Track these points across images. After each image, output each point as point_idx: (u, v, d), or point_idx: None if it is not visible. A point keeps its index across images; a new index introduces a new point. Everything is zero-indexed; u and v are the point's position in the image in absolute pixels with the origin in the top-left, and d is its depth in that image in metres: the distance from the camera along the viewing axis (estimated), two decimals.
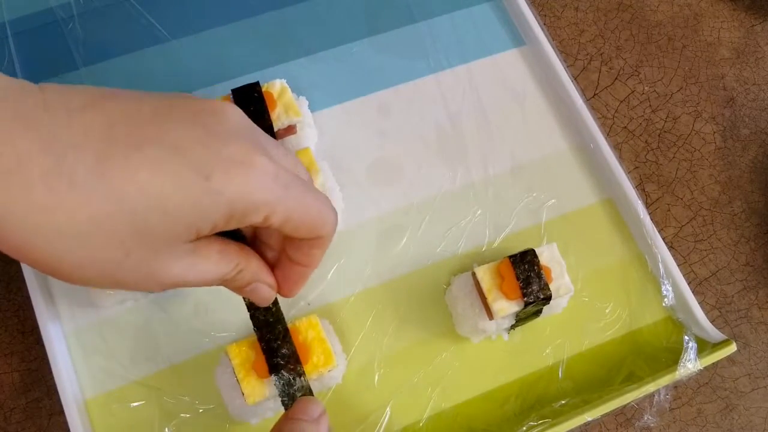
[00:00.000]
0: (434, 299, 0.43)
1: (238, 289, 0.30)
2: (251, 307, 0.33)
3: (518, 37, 0.50)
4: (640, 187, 0.49)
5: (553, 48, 0.48)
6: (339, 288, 0.42)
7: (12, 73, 0.45)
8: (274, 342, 0.35)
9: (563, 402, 0.40)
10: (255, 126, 0.28)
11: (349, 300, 0.42)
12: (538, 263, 0.39)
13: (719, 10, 0.55)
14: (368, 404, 0.40)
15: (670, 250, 0.45)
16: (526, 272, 0.39)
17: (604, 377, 0.42)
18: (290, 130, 0.42)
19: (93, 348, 0.40)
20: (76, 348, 0.40)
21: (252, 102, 0.40)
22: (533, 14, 0.49)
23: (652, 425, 0.43)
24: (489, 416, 0.41)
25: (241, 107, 0.39)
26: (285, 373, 0.34)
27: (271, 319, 0.34)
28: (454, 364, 0.42)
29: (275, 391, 0.35)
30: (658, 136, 0.51)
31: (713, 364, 0.42)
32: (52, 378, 0.38)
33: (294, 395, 0.34)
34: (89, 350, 0.40)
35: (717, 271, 0.48)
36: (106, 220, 0.23)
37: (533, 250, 0.39)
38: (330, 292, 0.42)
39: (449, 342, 0.42)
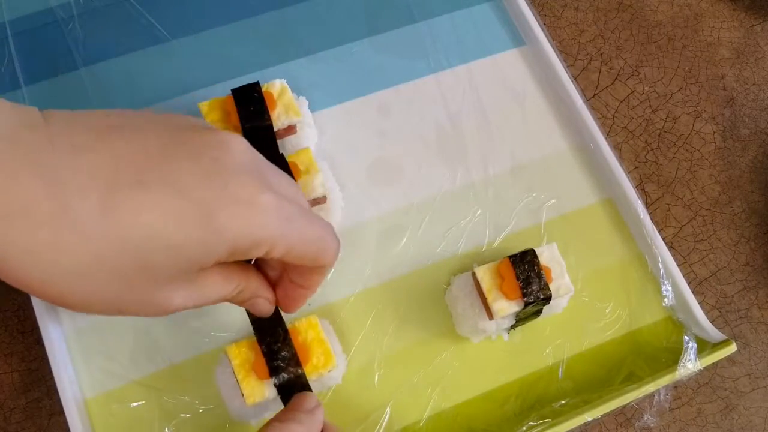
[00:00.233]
0: (434, 299, 0.43)
1: (237, 304, 0.31)
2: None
3: (518, 37, 0.50)
4: (640, 187, 0.49)
5: (553, 48, 0.48)
6: (339, 288, 0.42)
7: (12, 73, 0.45)
8: (274, 344, 0.35)
9: (563, 402, 0.40)
10: (259, 157, 0.29)
11: (349, 300, 0.42)
12: (538, 263, 0.39)
13: (719, 10, 0.55)
14: (368, 404, 0.40)
15: (670, 250, 0.45)
16: (526, 272, 0.39)
17: (604, 377, 0.42)
18: (290, 130, 0.42)
19: (93, 348, 0.40)
20: (76, 348, 0.40)
21: (252, 102, 0.40)
22: (533, 14, 0.49)
23: (652, 425, 0.43)
24: (489, 416, 0.41)
25: (241, 107, 0.40)
26: (285, 375, 0.34)
27: (270, 322, 0.34)
28: (454, 364, 0.42)
29: (275, 392, 0.35)
30: (658, 136, 0.51)
31: (713, 364, 0.42)
32: (52, 378, 0.38)
33: (292, 395, 0.34)
34: (89, 350, 0.40)
35: (717, 271, 0.48)
36: (110, 259, 0.24)
37: (533, 250, 0.39)
38: (330, 292, 0.42)
39: (449, 342, 0.42)
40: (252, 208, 0.26)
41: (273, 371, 0.34)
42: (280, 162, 0.40)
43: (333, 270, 0.42)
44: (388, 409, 0.40)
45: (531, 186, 0.46)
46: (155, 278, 0.25)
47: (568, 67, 0.49)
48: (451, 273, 0.43)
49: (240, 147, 0.27)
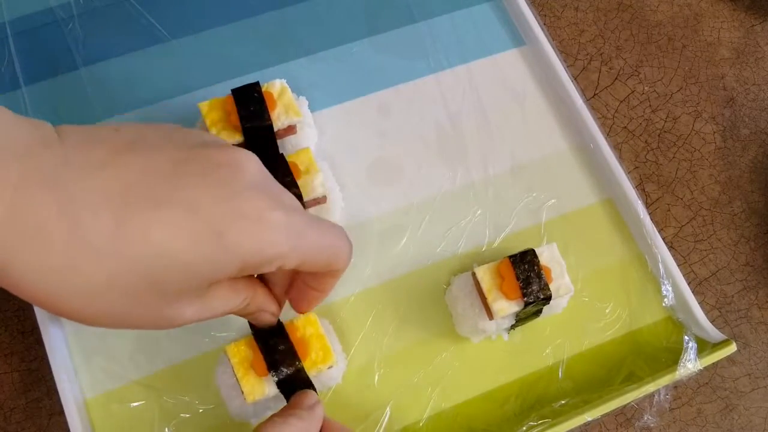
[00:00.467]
0: (434, 299, 0.43)
1: (243, 316, 0.32)
2: None
3: (518, 37, 0.50)
4: (640, 187, 0.49)
5: (553, 48, 0.48)
6: (339, 288, 0.42)
7: (12, 73, 0.45)
8: (271, 339, 0.35)
9: (563, 402, 0.40)
10: (269, 175, 0.29)
11: (349, 300, 0.42)
12: (538, 263, 0.39)
13: (719, 10, 0.55)
14: (368, 404, 0.40)
15: (670, 250, 0.45)
16: (526, 272, 0.39)
17: (604, 377, 0.42)
18: (290, 130, 0.42)
19: (93, 348, 0.40)
20: (76, 348, 0.40)
21: (252, 102, 0.40)
22: (533, 14, 0.49)
23: (652, 425, 0.43)
24: (489, 416, 0.41)
25: (241, 107, 0.40)
26: (284, 369, 0.34)
27: None
28: (454, 364, 0.42)
29: (275, 390, 0.35)
30: (658, 136, 0.51)
31: (713, 364, 0.42)
32: (52, 378, 0.38)
33: (294, 391, 0.34)
34: (89, 350, 0.40)
35: (717, 271, 0.48)
36: (122, 278, 0.24)
37: (533, 250, 0.39)
38: (330, 292, 0.42)
39: (449, 342, 0.42)
40: (262, 226, 0.26)
41: (271, 366, 0.34)
42: (280, 162, 0.40)
43: None
44: (388, 408, 0.40)
45: (531, 186, 0.46)
46: (166, 295, 0.25)
47: (568, 67, 0.49)
48: (451, 273, 0.43)
49: (251, 165, 0.27)
